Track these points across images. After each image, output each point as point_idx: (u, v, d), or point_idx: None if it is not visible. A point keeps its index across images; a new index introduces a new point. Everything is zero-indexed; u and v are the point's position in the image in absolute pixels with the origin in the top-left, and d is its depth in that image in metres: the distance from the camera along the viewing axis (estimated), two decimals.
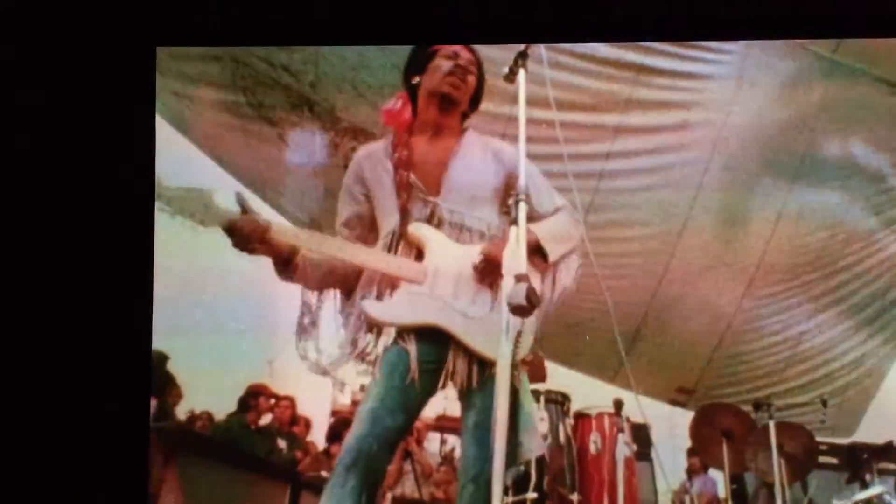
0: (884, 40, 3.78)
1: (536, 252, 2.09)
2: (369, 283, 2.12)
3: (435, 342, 2.04)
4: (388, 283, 2.10)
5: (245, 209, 2.03)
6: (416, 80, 2.24)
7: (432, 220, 2.13)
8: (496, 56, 2.37)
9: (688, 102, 4.10)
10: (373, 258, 2.09)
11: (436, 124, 2.21)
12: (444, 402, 2.17)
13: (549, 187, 2.25)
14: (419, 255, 2.11)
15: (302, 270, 2.08)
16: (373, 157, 2.23)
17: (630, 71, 3.99)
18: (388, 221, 2.14)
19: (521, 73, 2.07)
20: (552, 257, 2.13)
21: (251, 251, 2.02)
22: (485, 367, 2.03)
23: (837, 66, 3.96)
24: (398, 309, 2.07)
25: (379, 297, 2.10)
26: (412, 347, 2.03)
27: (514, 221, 1.86)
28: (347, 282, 2.15)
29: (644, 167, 4.24)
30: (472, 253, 2.08)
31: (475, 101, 2.27)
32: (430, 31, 2.76)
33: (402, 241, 2.12)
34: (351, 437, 1.99)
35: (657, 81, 4.04)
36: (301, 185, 4.12)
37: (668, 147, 4.21)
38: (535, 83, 2.21)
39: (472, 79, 2.22)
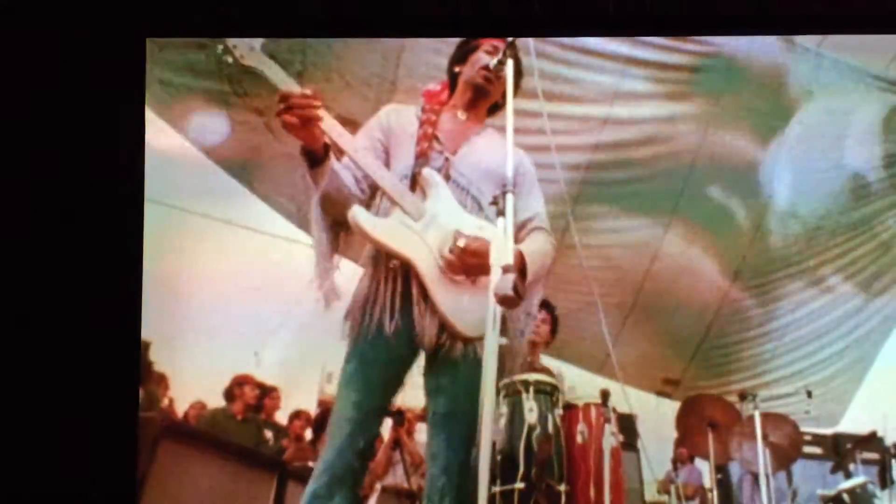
0: (868, 36, 3.81)
1: (519, 272, 2.10)
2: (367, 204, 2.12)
3: (406, 303, 2.04)
4: (386, 209, 2.11)
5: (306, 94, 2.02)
6: (457, 69, 2.30)
7: (441, 173, 2.15)
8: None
9: (675, 94, 4.11)
10: (385, 175, 2.08)
11: (466, 108, 2.26)
12: (414, 391, 2.17)
13: (540, 197, 2.27)
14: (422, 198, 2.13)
15: (324, 172, 2.04)
16: (401, 112, 2.27)
17: (619, 63, 4.00)
18: (402, 166, 2.16)
19: (510, 64, 2.08)
20: (530, 278, 2.13)
21: (292, 128, 1.98)
22: (449, 339, 2.03)
23: (822, 58, 3.98)
24: (385, 228, 2.05)
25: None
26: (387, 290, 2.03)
27: (502, 212, 1.86)
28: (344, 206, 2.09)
29: (631, 159, 4.25)
30: (481, 224, 2.09)
31: (502, 105, 2.26)
32: (418, 24, 2.75)
33: (412, 183, 2.14)
34: (333, 451, 1.98)
35: (645, 73, 4.05)
36: (289, 174, 4.10)
37: (655, 139, 4.22)
38: (524, 74, 2.22)
39: (503, 79, 2.23)
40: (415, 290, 2.05)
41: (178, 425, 3.47)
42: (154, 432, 2.99)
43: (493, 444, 2.03)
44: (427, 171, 2.12)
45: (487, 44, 2.27)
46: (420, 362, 2.12)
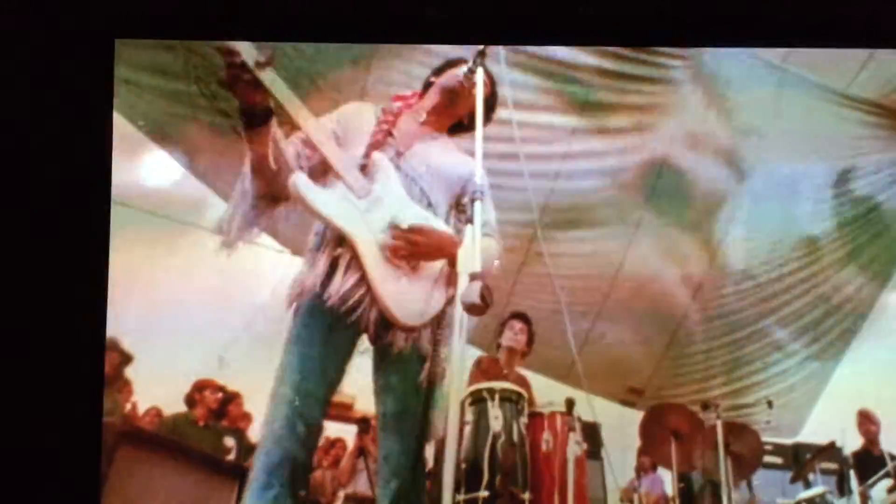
0: (832, 52, 3.88)
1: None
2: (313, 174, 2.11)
3: (347, 287, 2.02)
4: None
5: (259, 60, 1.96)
6: (433, 79, 2.35)
7: (397, 164, 2.17)
8: (455, 54, 2.38)
9: (643, 106, 4.15)
10: (333, 149, 2.08)
11: (429, 112, 2.28)
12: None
13: (492, 208, 2.29)
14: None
15: (262, 137, 2.01)
16: (361, 111, 2.30)
17: (588, 73, 4.02)
18: (353, 155, 2.16)
19: (480, 72, 2.09)
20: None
21: (238, 84, 1.95)
22: (391, 332, 2.02)
23: (787, 74, 4.04)
24: (327, 199, 2.04)
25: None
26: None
27: (470, 220, 1.86)
28: (274, 178, 2.09)
29: (600, 169, 4.28)
30: (424, 215, 2.08)
31: (470, 125, 2.26)
32: (389, 30, 2.75)
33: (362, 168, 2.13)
34: (271, 438, 1.95)
35: (614, 84, 4.08)
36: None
37: (623, 149, 4.26)
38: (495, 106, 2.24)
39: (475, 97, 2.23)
40: (355, 275, 2.03)
41: (137, 431, 3.42)
42: (112, 438, 2.94)
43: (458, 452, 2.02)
44: (377, 155, 2.13)
45: (465, 62, 2.29)
46: (368, 360, 2.10)
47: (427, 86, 2.37)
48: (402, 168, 2.16)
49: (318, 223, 2.11)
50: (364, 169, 2.12)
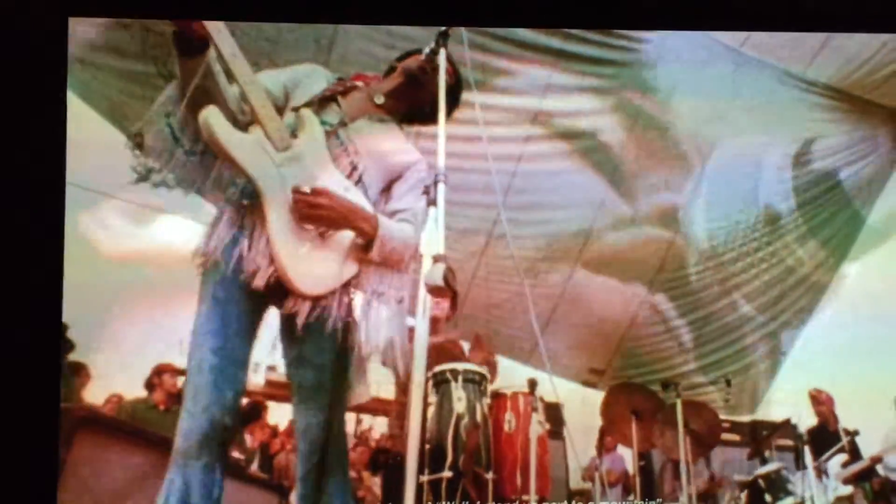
0: (789, 36, 3.93)
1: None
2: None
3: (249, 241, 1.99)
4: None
5: None
6: (395, 64, 2.31)
7: (334, 131, 2.12)
8: (417, 35, 2.36)
9: (605, 88, 4.17)
10: (260, 99, 1.99)
11: (386, 94, 2.25)
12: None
13: (421, 201, 2.26)
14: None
15: (196, 68, 1.94)
16: (315, 71, 2.25)
17: (550, 56, 4.03)
18: (292, 103, 2.12)
19: (442, 53, 2.07)
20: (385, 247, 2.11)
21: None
22: (292, 299, 1.99)
23: (745, 57, 4.09)
24: (240, 141, 1.96)
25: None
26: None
27: (433, 202, 1.85)
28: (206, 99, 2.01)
29: (562, 151, 4.30)
30: (344, 183, 2.06)
31: (431, 112, 2.21)
32: (351, 8, 2.72)
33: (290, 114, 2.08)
34: (197, 407, 1.90)
35: (576, 67, 4.09)
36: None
37: (585, 132, 4.28)
38: (456, 64, 2.22)
39: (438, 82, 2.18)
40: (260, 238, 1.98)
41: (96, 416, 3.37)
42: (70, 423, 2.90)
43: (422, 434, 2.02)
44: (305, 111, 2.07)
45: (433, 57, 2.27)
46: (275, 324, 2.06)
47: (390, 70, 2.34)
48: (342, 139, 2.11)
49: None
50: (296, 113, 2.07)
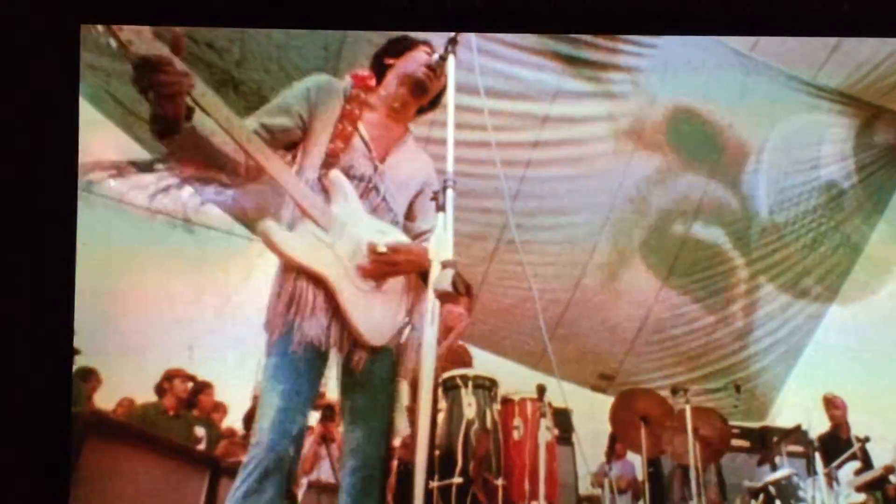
0: (798, 41, 3.92)
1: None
2: (271, 205, 2.09)
3: (320, 314, 2.03)
4: (294, 215, 2.06)
5: (176, 50, 1.82)
6: (389, 61, 2.26)
7: (366, 180, 2.13)
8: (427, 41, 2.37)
9: (614, 94, 4.17)
10: (293, 182, 2.03)
11: (397, 106, 2.23)
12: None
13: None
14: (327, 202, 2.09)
15: (185, 138, 1.87)
16: (328, 90, 2.20)
17: (559, 62, 4.03)
18: (312, 160, 2.11)
19: (451, 60, 2.07)
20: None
21: (155, 98, 1.81)
22: (361, 350, 2.03)
23: (755, 63, 4.08)
24: (299, 244, 2.01)
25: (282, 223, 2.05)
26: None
27: (442, 208, 1.85)
28: (218, 170, 2.02)
29: (571, 156, 4.30)
30: (381, 228, 2.08)
31: (434, 102, 2.28)
32: (360, 16, 2.73)
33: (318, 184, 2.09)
34: (263, 444, 1.94)
35: (585, 73, 4.10)
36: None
37: (593, 137, 4.27)
38: (465, 70, 2.22)
39: (442, 80, 2.21)
40: (326, 301, 2.02)
41: (106, 421, 3.38)
42: (81, 428, 2.91)
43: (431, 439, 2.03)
44: (334, 175, 2.08)
45: (425, 46, 2.27)
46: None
47: (382, 67, 2.28)
48: (376, 185, 2.13)
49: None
50: (322, 180, 2.08)
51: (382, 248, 2.00)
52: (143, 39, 1.83)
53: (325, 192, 2.09)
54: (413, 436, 1.66)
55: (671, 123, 4.22)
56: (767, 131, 4.30)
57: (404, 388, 2.12)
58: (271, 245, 2.00)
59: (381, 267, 2.03)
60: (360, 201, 2.10)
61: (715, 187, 4.40)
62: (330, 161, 2.10)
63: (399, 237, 2.12)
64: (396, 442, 2.19)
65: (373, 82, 2.28)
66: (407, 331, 2.12)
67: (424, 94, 2.25)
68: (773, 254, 4.59)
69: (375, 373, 2.02)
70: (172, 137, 1.87)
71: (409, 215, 2.22)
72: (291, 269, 2.05)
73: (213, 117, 1.88)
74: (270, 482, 1.92)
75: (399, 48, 2.28)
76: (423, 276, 2.04)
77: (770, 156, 4.35)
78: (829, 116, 4.32)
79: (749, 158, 4.35)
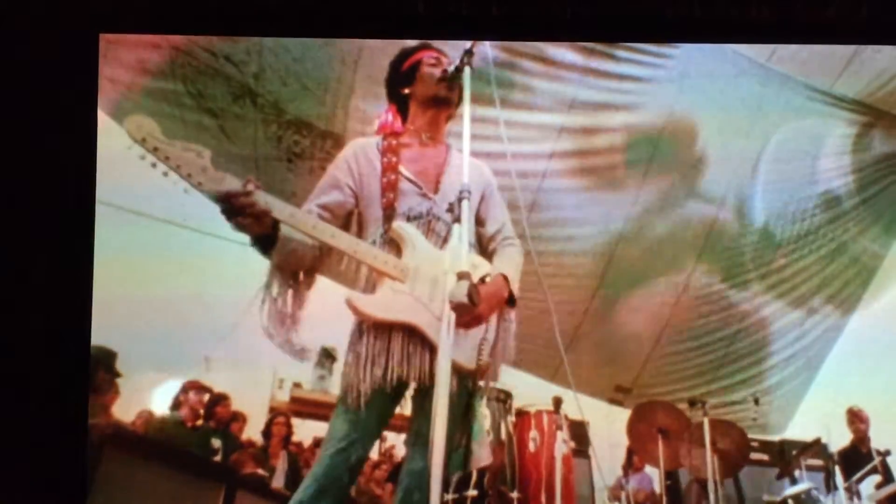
0: (815, 50, 3.90)
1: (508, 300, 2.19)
2: (349, 277, 2.14)
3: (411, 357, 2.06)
4: (371, 278, 2.13)
5: (248, 191, 1.97)
6: (406, 91, 2.30)
7: (429, 216, 2.17)
8: (442, 51, 2.37)
9: (630, 104, 4.16)
10: (362, 249, 2.09)
11: (428, 130, 2.27)
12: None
13: (504, 207, 2.32)
14: (398, 253, 2.14)
15: (279, 248, 2.04)
16: (365, 152, 2.25)
17: (575, 72, 4.03)
18: (374, 219, 2.17)
19: (467, 71, 2.08)
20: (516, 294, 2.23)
21: (238, 225, 1.98)
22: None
23: (772, 73, 4.06)
24: (382, 304, 2.08)
25: (363, 289, 2.12)
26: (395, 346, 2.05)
27: (458, 219, 1.86)
28: (308, 266, 2.14)
29: (587, 167, 4.29)
30: (454, 256, 2.09)
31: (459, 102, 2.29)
32: (377, 25, 2.74)
33: (384, 240, 2.15)
34: (323, 463, 2.01)
35: (601, 83, 4.09)
36: (241, 176, 4.04)
37: (610, 148, 4.26)
38: (481, 81, 2.22)
39: (458, 83, 2.24)
40: (412, 343, 2.06)
41: (123, 432, 3.39)
42: (98, 440, 2.92)
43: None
44: (396, 226, 2.14)
45: (427, 57, 2.29)
46: None
47: (402, 99, 2.32)
48: (439, 216, 2.17)
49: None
50: (388, 234, 2.14)
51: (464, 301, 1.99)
52: (209, 178, 1.98)
53: (394, 243, 2.13)
54: (428, 447, 1.65)
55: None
56: (784, 140, 4.27)
57: (483, 412, 2.15)
58: (358, 312, 2.07)
59: (471, 322, 2.06)
60: (428, 239, 2.14)
61: (731, 202, 4.38)
62: (388, 214, 2.16)
63: (473, 258, 2.14)
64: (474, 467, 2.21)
65: (399, 123, 2.32)
66: (486, 349, 2.15)
67: (449, 107, 2.27)
68: (795, 262, 4.55)
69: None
70: (274, 248, 2.02)
71: (479, 221, 2.25)
72: (376, 327, 2.09)
73: (278, 217, 1.98)
74: (323, 500, 1.99)
75: (408, 73, 2.31)
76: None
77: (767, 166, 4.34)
78: (848, 126, 4.29)
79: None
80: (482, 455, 2.13)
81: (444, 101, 2.25)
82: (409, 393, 2.13)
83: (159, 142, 1.97)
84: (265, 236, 2.01)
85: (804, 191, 4.41)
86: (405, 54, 2.33)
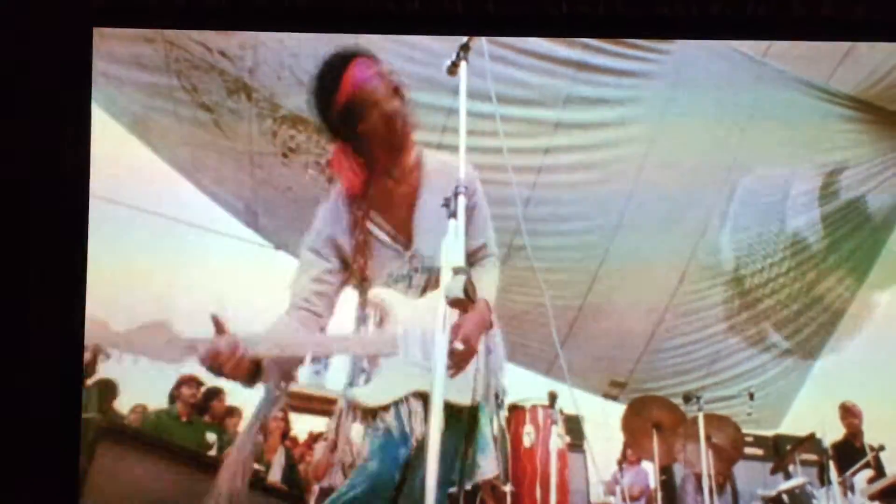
0: (810, 46, 3.91)
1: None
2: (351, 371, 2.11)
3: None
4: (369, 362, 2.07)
5: (220, 329, 1.93)
6: (360, 128, 2.06)
7: (408, 275, 2.10)
8: (438, 47, 2.37)
9: (625, 100, 4.16)
10: (348, 344, 2.07)
11: (395, 165, 2.14)
12: None
13: (490, 221, 2.23)
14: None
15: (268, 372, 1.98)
16: (336, 211, 2.12)
17: (570, 67, 4.03)
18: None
19: (463, 66, 2.07)
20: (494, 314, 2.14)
21: (238, 378, 1.94)
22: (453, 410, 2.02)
23: (767, 68, 4.07)
24: (383, 387, 2.03)
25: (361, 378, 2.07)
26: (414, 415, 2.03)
27: (453, 214, 1.85)
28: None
29: (582, 163, 4.29)
30: (435, 306, 2.06)
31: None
32: (371, 21, 2.73)
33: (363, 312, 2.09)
34: (376, 463, 1.99)
35: (596, 78, 4.09)
36: (236, 172, 4.04)
37: (605, 143, 4.27)
38: (477, 76, 2.22)
39: (405, 100, 2.11)
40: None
41: (117, 427, 3.40)
42: (92, 434, 2.92)
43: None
44: (372, 296, 2.06)
45: (358, 75, 2.07)
46: None
47: (357, 138, 2.05)
48: (424, 265, 2.09)
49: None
50: (368, 304, 2.08)
51: (458, 346, 1.92)
52: (177, 348, 1.95)
53: (377, 312, 2.07)
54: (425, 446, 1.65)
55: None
56: (780, 137, 4.28)
57: (487, 422, 2.12)
58: (366, 407, 2.02)
59: (461, 362, 1.99)
60: (407, 295, 2.09)
61: (726, 194, 4.38)
62: (364, 286, 2.09)
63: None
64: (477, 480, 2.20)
65: (359, 178, 2.11)
66: (480, 381, 2.10)
67: (407, 141, 2.13)
68: (791, 257, 4.57)
69: (451, 423, 2.00)
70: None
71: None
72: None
73: (265, 355, 1.94)
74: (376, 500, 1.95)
75: (359, 110, 2.04)
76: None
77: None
78: (843, 122, 4.30)
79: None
80: (487, 468, 2.12)
81: (396, 144, 2.08)
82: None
83: (115, 335, 1.97)
84: (252, 377, 1.96)
85: (799, 185, 4.44)
86: (333, 79, 2.05)
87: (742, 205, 4.36)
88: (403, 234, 2.12)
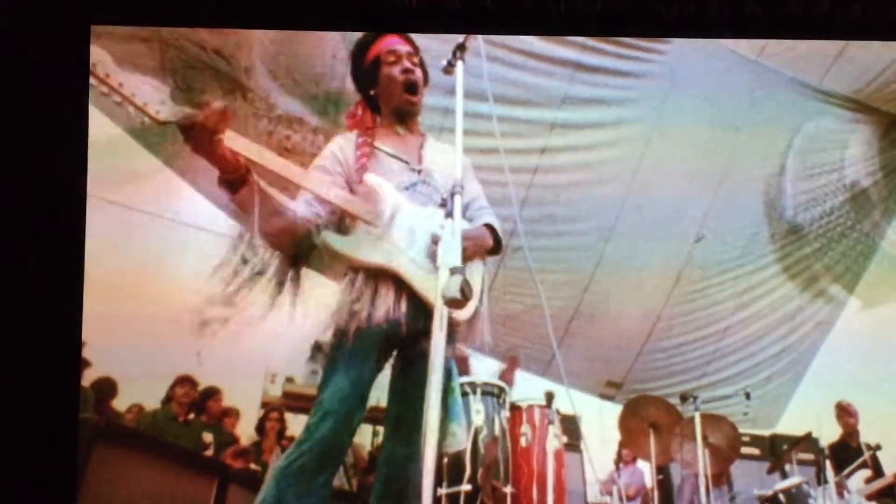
0: (804, 46, 3.92)
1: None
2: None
3: (392, 300, 2.04)
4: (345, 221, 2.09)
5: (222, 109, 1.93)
6: (372, 92, 2.25)
7: (421, 181, 2.15)
8: (434, 47, 2.36)
9: (622, 100, 4.17)
10: (333, 192, 2.05)
11: (401, 125, 2.25)
12: (377, 392, 2.16)
13: (477, 183, 2.31)
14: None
15: (248, 195, 1.94)
16: (348, 144, 2.21)
17: (567, 68, 4.03)
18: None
19: (459, 66, 2.07)
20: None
21: (203, 150, 1.93)
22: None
23: (762, 69, 4.07)
24: (355, 245, 2.04)
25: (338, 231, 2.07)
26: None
27: (450, 214, 1.85)
28: (290, 238, 2.05)
29: (578, 163, 4.30)
30: (429, 213, 2.08)
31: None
32: (367, 19, 2.73)
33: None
34: (327, 427, 1.96)
35: (593, 79, 4.09)
36: None
37: (601, 143, 4.27)
38: (473, 76, 2.22)
39: (420, 73, 2.23)
40: (400, 295, 2.03)
41: (115, 427, 3.39)
42: (89, 434, 2.91)
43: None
44: (368, 178, 2.10)
45: (385, 53, 2.22)
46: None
47: (371, 99, 2.26)
48: (429, 182, 2.16)
49: None
50: (361, 185, 2.10)
51: (456, 294, 1.96)
52: (168, 109, 1.95)
53: (366, 197, 2.10)
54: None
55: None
56: (777, 135, 4.29)
57: (476, 407, 2.11)
58: (332, 254, 2.02)
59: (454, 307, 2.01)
60: (404, 194, 2.12)
61: (727, 192, 4.39)
62: (360, 173, 2.12)
63: (465, 226, 2.10)
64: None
65: (368, 119, 2.27)
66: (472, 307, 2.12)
67: (416, 111, 2.26)
68: (785, 257, 4.57)
69: (415, 384, 2.00)
70: (244, 193, 1.94)
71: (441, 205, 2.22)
72: (355, 271, 2.06)
73: (243, 153, 1.91)
74: (329, 466, 1.96)
75: (370, 73, 2.25)
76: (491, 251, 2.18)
77: (794, 160, 4.36)
78: (837, 122, 4.31)
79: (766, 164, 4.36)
80: (461, 438, 2.11)
81: (407, 114, 2.24)
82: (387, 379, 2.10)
83: (112, 69, 1.87)
84: (230, 178, 1.94)
85: (822, 178, 4.45)
86: (363, 47, 2.27)
87: (729, 199, 4.37)
88: (413, 160, 2.20)
